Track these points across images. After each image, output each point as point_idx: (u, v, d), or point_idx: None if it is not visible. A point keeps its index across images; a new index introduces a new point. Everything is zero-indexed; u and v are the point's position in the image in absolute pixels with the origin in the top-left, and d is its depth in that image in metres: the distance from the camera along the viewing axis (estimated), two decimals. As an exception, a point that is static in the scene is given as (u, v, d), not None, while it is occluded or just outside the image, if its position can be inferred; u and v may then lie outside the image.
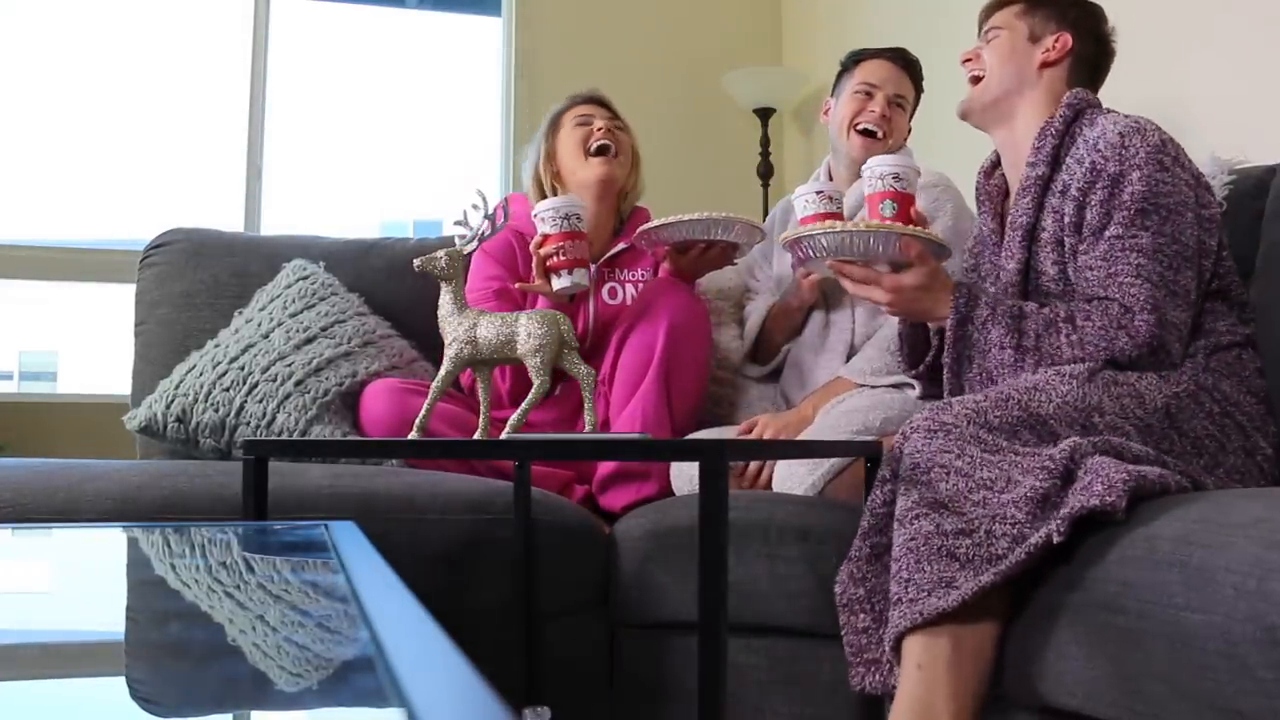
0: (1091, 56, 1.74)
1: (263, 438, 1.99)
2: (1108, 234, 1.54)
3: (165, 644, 0.73)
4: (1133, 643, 1.08)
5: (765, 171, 3.65)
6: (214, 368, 2.09)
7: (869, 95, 2.18)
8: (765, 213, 3.38)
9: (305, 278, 2.26)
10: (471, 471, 1.89)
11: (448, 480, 1.76)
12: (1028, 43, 1.73)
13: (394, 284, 2.35)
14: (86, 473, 1.65)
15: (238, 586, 0.96)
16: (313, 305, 2.20)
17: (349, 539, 1.01)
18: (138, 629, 0.79)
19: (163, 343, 2.29)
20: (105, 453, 2.23)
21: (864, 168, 1.68)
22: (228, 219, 3.57)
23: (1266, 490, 1.34)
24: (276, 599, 0.86)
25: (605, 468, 2.00)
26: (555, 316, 1.53)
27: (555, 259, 1.91)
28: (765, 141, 3.66)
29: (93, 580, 1.04)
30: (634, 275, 2.23)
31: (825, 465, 1.80)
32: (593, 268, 2.11)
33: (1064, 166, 1.63)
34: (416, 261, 1.56)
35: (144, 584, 0.98)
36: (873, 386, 2.00)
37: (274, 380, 2.05)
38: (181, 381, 2.09)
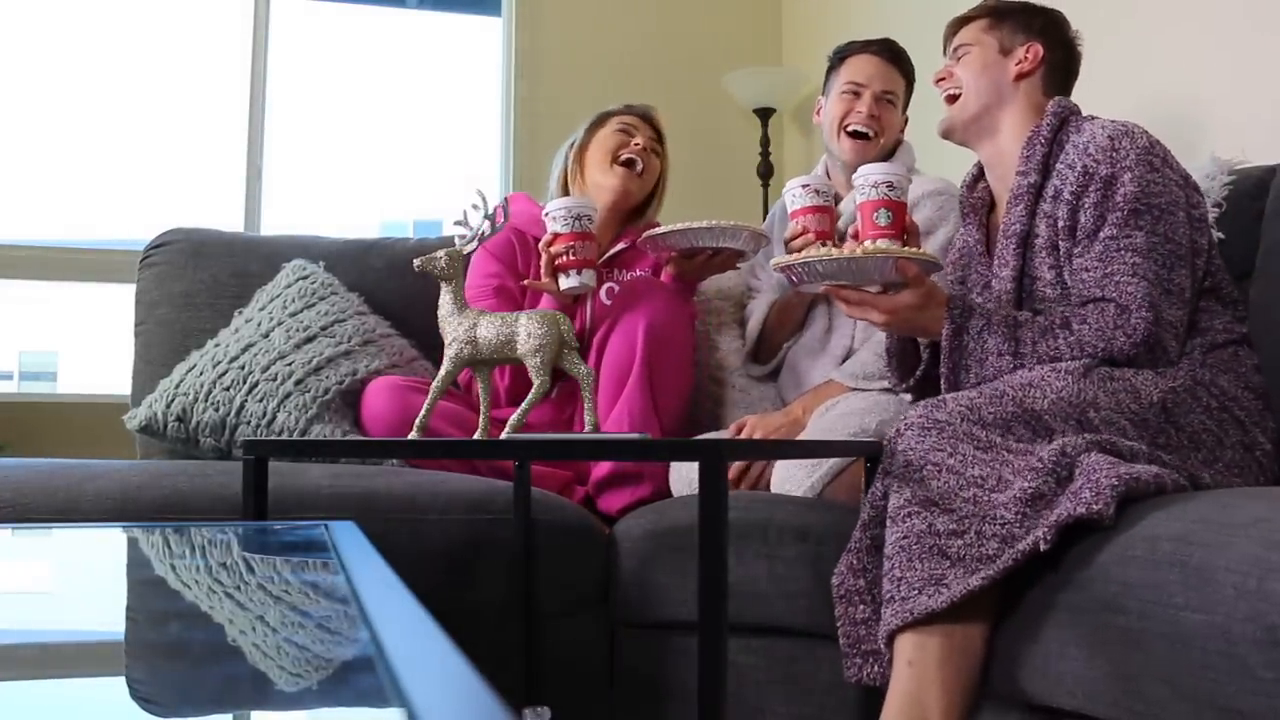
0: (1063, 63, 1.76)
1: (263, 437, 1.99)
2: (1102, 235, 1.55)
3: (165, 644, 0.73)
4: (1133, 643, 1.08)
5: (765, 171, 3.65)
6: (214, 367, 2.09)
7: (856, 95, 2.16)
8: (765, 212, 3.38)
9: (305, 277, 2.26)
10: (473, 471, 1.89)
11: (448, 480, 1.76)
12: (999, 56, 1.74)
13: (394, 284, 2.35)
14: (86, 473, 1.65)
15: (238, 586, 0.96)
16: (313, 305, 2.20)
17: (349, 539, 1.01)
18: (138, 629, 0.79)
19: (163, 342, 2.29)
20: (105, 453, 2.23)
21: (855, 176, 1.67)
22: (228, 219, 3.57)
23: (1267, 490, 1.34)
24: (276, 599, 0.86)
25: (600, 471, 2.00)
26: (555, 316, 1.53)
27: (565, 258, 1.90)
28: (765, 141, 3.66)
29: (93, 580, 1.04)
30: (633, 276, 2.23)
31: (824, 468, 1.80)
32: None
33: (1054, 172, 1.64)
34: (416, 261, 1.56)
35: (144, 584, 0.98)
36: (864, 390, 2.00)
37: (274, 379, 2.05)
38: (182, 381, 2.09)
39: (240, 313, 2.23)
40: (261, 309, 2.21)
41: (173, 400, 2.06)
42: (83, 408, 3.35)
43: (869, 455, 1.53)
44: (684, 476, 1.93)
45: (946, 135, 1.79)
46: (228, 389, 2.05)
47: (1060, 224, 1.60)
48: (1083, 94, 1.78)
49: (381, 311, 2.29)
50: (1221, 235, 1.73)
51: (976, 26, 1.77)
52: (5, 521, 1.54)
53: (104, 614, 0.84)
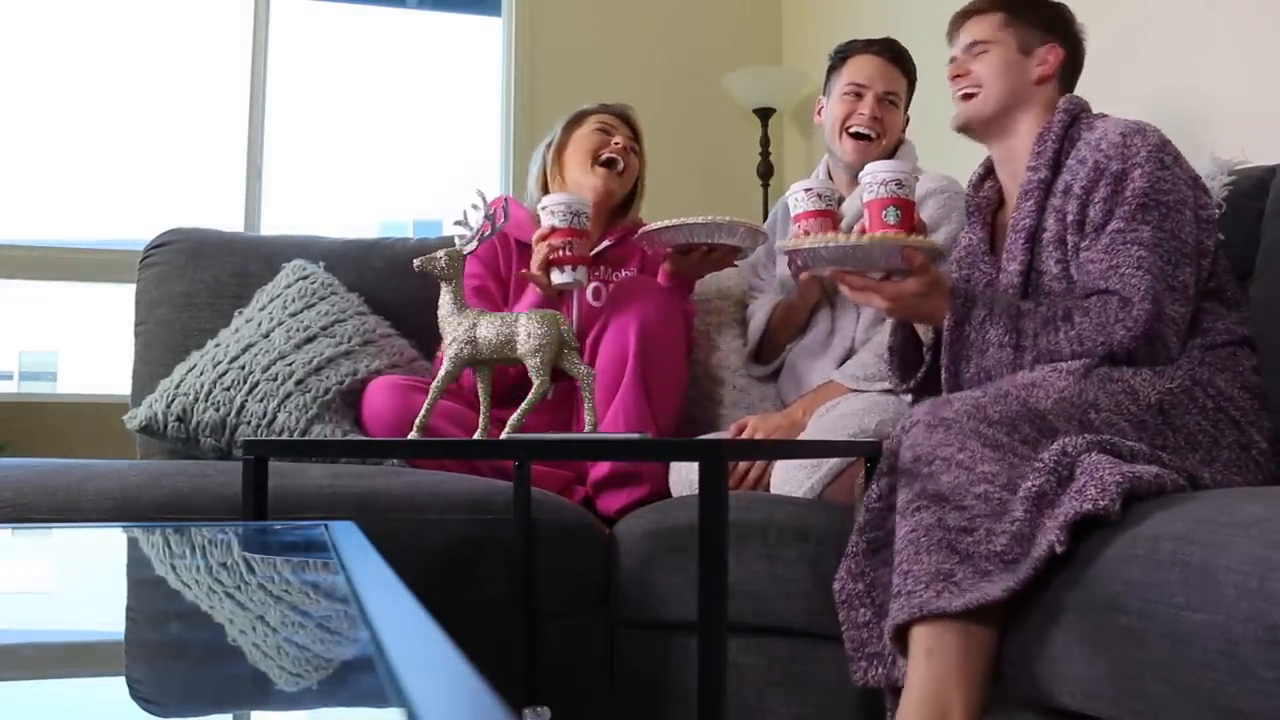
0: (1075, 60, 1.77)
1: (263, 437, 1.99)
2: (1109, 228, 1.56)
3: (165, 644, 0.73)
4: (1134, 642, 1.08)
5: (765, 171, 3.65)
6: (214, 367, 2.09)
7: (858, 96, 2.15)
8: (765, 212, 3.38)
9: (305, 277, 2.26)
10: (474, 471, 1.89)
11: (448, 480, 1.76)
12: (1020, 56, 1.73)
13: (394, 284, 2.35)
14: (86, 473, 1.65)
15: (238, 586, 0.96)
16: (313, 305, 2.20)
17: (349, 539, 1.01)
18: (138, 629, 0.79)
19: (163, 343, 2.29)
20: (105, 453, 2.23)
21: (862, 174, 1.66)
22: (228, 219, 3.57)
23: (1267, 490, 1.34)
24: (276, 599, 0.86)
25: (598, 472, 2.00)
26: (555, 317, 1.53)
27: (561, 253, 1.90)
28: (765, 141, 3.66)
29: (93, 580, 1.04)
30: (620, 276, 2.23)
31: (823, 468, 1.80)
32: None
33: (1065, 168, 1.64)
34: (416, 261, 1.56)
35: (144, 584, 0.98)
36: (864, 391, 2.00)
37: (275, 379, 2.05)
38: (182, 381, 2.09)
39: (240, 313, 2.23)
40: (262, 309, 2.21)
41: (173, 400, 2.06)
42: (83, 408, 3.35)
43: (869, 456, 1.53)
44: (684, 477, 1.93)
45: (963, 130, 1.78)
46: (228, 389, 2.05)
47: (1069, 219, 1.61)
48: (1084, 93, 1.78)
49: (381, 311, 2.29)
50: (1221, 235, 1.73)
51: (991, 22, 1.74)
52: (5, 521, 1.54)
53: (104, 614, 0.84)
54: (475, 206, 1.62)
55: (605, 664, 1.74)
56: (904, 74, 2.20)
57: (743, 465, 1.95)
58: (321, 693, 0.62)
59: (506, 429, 1.52)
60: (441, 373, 1.55)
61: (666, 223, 2.01)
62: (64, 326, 13.19)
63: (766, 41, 3.94)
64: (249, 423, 2.02)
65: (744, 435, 1.99)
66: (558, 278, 1.91)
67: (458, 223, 1.62)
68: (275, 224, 3.65)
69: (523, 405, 1.51)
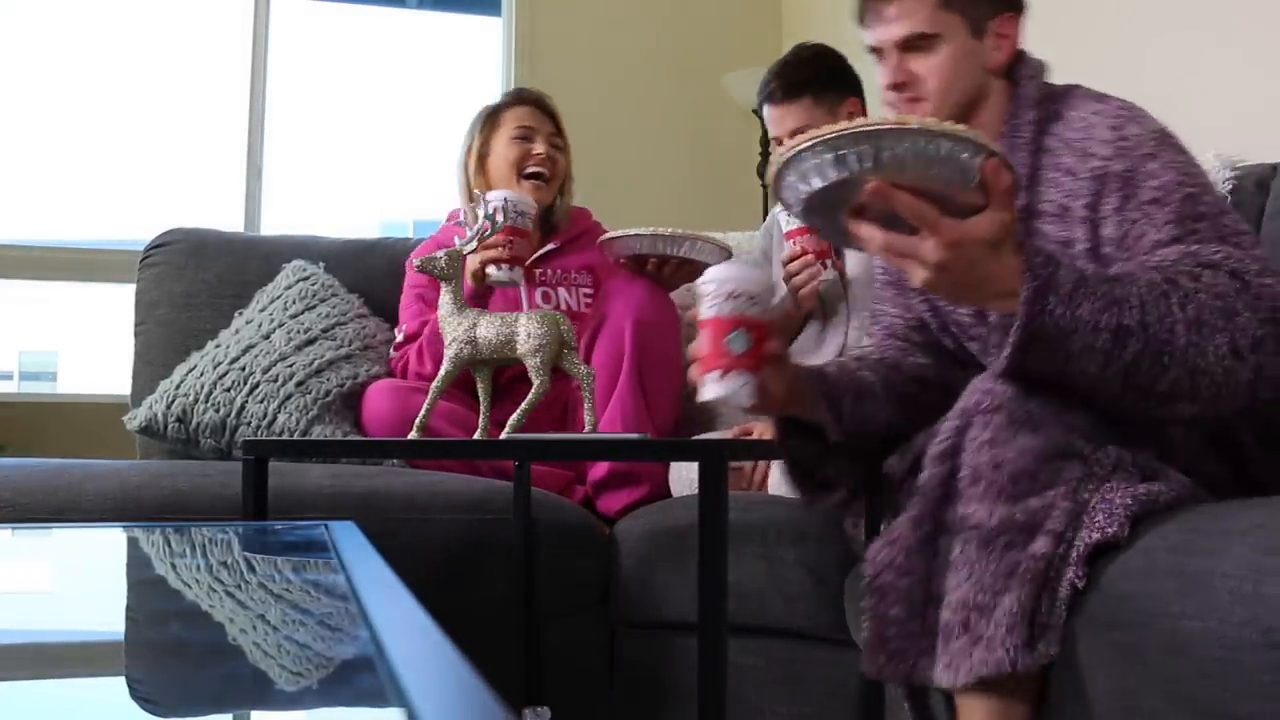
0: (1021, 18, 1.43)
1: (264, 438, 1.99)
2: (1148, 239, 1.22)
3: (165, 644, 0.73)
4: (1131, 656, 1.08)
5: (765, 172, 3.65)
6: (214, 368, 2.09)
7: (778, 141, 2.05)
8: (765, 213, 3.38)
9: (305, 278, 2.26)
10: (474, 471, 1.89)
11: (448, 480, 1.76)
12: (973, 41, 1.37)
13: (394, 284, 2.35)
14: (86, 473, 1.65)
15: (238, 586, 0.96)
16: (313, 306, 2.20)
17: (349, 539, 1.01)
18: (138, 629, 0.79)
19: (163, 343, 2.29)
20: (105, 453, 2.23)
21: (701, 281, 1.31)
22: (228, 219, 3.57)
23: (1264, 500, 1.33)
24: (276, 599, 0.86)
25: (597, 472, 1.99)
26: (555, 317, 1.53)
27: (501, 250, 1.83)
28: (765, 141, 3.66)
29: (93, 580, 1.04)
30: (567, 278, 2.19)
31: (823, 467, 1.80)
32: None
33: (1047, 181, 1.34)
34: (416, 261, 1.56)
35: (144, 584, 0.98)
36: None
37: (275, 381, 2.05)
38: (182, 381, 2.09)
39: (240, 314, 2.23)
40: (262, 310, 2.21)
41: (173, 401, 2.06)
42: (83, 408, 3.35)
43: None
44: (684, 477, 1.93)
45: None
46: (228, 390, 2.05)
47: (1078, 247, 1.29)
48: (1083, 94, 1.78)
49: (381, 312, 2.29)
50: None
51: (924, 4, 1.36)
52: (5, 521, 1.54)
53: (104, 614, 0.85)
54: (475, 206, 1.62)
55: (605, 664, 1.74)
56: (819, 97, 2.11)
57: (748, 467, 1.95)
58: (321, 693, 0.62)
59: (506, 429, 1.52)
60: (441, 373, 1.55)
61: (627, 231, 1.99)
62: (64, 326, 13.20)
63: (766, 41, 3.94)
64: (249, 424, 2.02)
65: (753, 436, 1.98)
66: (497, 275, 1.86)
67: (458, 223, 1.62)
68: (275, 224, 3.65)
69: (523, 405, 1.51)
